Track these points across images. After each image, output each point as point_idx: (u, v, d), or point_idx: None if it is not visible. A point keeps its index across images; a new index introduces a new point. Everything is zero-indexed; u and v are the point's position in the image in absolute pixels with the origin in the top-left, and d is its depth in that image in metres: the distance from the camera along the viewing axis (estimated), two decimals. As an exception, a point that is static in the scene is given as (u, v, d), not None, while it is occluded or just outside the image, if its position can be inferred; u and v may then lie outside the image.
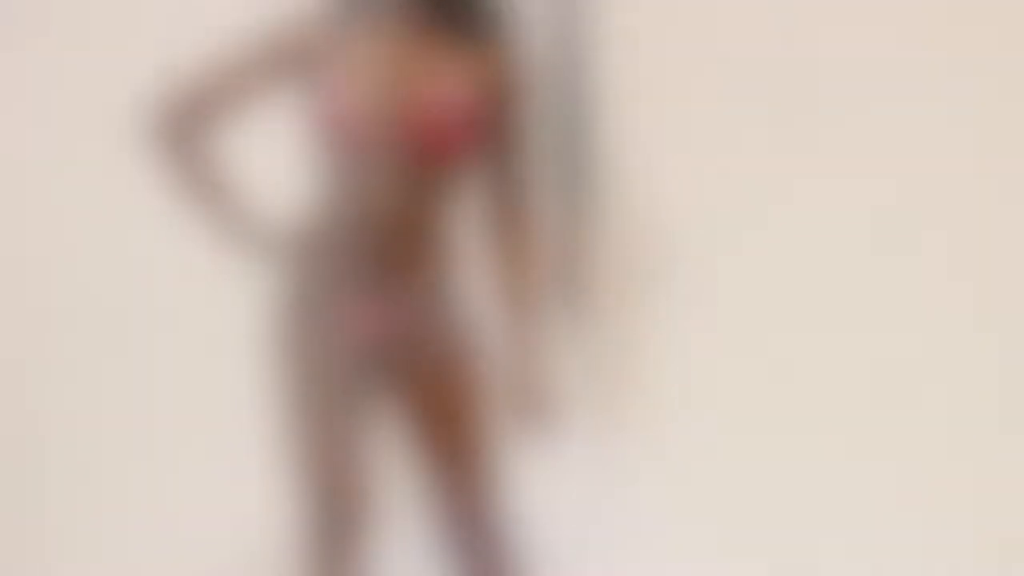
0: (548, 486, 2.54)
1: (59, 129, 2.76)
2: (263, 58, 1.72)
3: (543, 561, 2.13)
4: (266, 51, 1.72)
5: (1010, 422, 2.55)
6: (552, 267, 2.14)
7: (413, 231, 1.72)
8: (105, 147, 2.60)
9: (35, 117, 2.72)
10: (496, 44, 1.75)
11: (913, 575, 2.38)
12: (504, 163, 1.78)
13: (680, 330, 2.71)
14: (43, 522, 2.53)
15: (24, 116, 2.69)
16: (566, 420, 2.04)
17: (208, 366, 2.69)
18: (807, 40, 2.58)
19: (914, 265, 2.55)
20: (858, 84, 2.39)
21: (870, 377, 2.37)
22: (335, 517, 1.77)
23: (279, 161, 2.44)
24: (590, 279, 2.60)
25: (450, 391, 1.78)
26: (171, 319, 2.76)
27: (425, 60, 1.71)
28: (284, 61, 1.72)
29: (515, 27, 1.78)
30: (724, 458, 2.48)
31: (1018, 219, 2.39)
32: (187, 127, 1.73)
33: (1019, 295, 2.51)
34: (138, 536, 2.47)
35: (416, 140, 1.68)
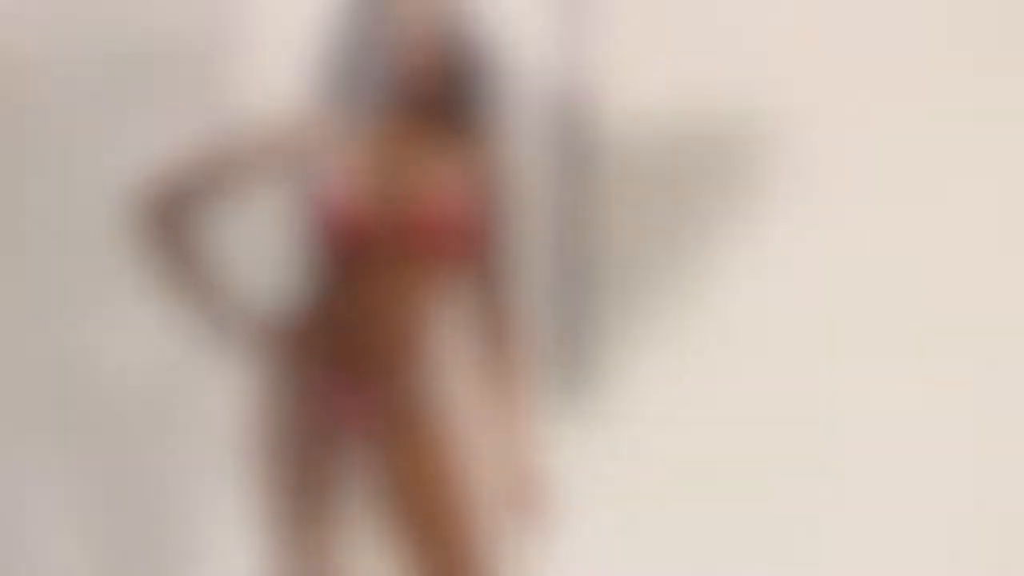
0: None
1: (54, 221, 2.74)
2: (251, 152, 1.73)
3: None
4: (256, 147, 1.73)
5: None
6: (549, 361, 2.10)
7: (401, 327, 1.73)
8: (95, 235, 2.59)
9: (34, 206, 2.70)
10: (488, 144, 1.76)
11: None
12: (492, 263, 1.79)
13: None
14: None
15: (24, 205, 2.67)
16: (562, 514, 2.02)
17: (193, 451, 2.68)
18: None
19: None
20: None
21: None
22: None
23: (269, 253, 2.45)
24: (589, 373, 2.62)
25: (431, 481, 1.76)
26: (156, 406, 2.75)
27: (418, 158, 1.72)
28: (275, 157, 1.73)
29: (508, 126, 1.80)
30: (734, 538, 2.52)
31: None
32: (171, 217, 1.73)
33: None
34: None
35: (408, 238, 1.69)
